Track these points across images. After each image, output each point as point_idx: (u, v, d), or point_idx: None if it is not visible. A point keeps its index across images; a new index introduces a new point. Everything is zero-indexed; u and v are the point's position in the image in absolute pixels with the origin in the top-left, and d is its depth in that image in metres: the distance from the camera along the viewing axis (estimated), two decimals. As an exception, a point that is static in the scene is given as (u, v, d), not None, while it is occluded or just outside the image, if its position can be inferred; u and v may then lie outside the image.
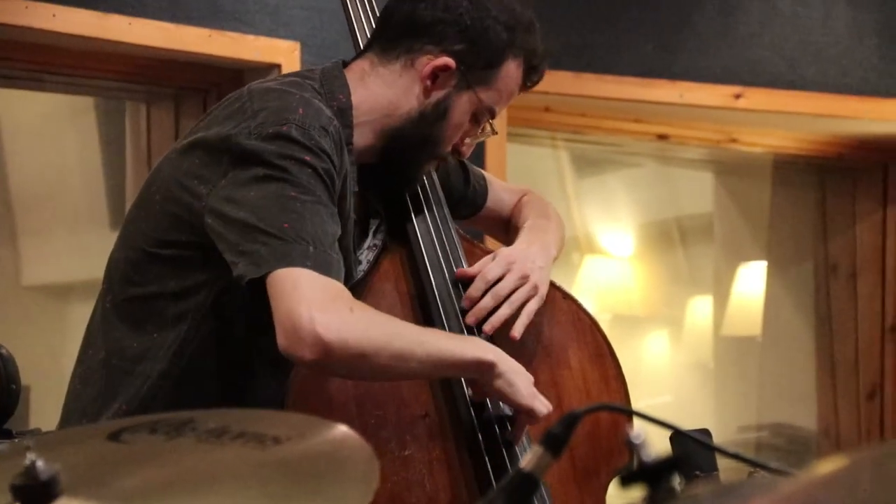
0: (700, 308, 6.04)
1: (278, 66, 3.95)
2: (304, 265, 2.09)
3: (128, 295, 2.31)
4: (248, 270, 2.11)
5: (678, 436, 1.99)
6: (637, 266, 6.06)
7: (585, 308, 2.52)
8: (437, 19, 2.33)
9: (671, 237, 6.09)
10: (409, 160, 2.37)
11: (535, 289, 2.38)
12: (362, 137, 2.33)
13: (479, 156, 4.23)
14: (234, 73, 4.01)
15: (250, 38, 3.93)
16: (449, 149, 2.38)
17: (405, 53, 2.34)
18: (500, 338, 2.35)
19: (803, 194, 5.53)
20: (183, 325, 2.27)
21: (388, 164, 2.37)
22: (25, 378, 2.49)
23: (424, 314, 2.37)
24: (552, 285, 2.47)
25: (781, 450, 5.50)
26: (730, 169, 5.65)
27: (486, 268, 2.37)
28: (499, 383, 2.23)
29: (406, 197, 2.43)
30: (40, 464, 1.29)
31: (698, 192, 5.89)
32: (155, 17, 3.79)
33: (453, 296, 2.37)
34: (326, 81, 2.33)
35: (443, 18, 2.33)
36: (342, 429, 1.46)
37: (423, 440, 2.29)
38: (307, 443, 1.45)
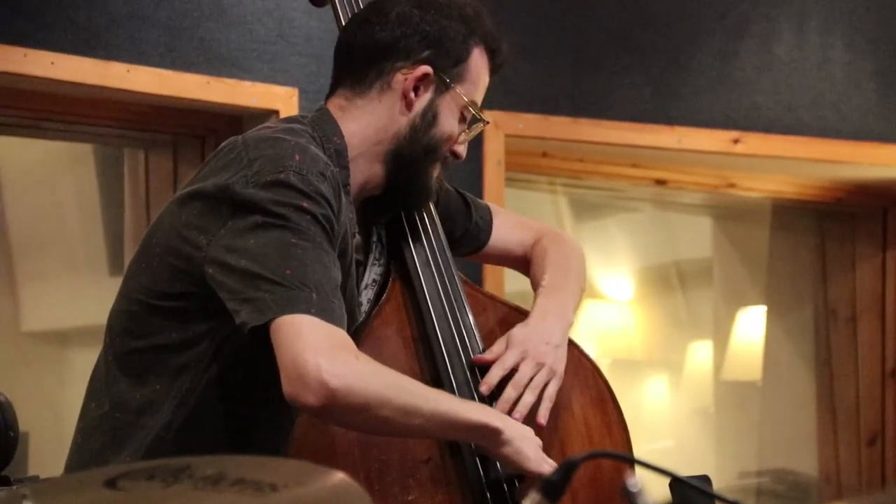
0: (700, 352, 6.03)
1: (276, 112, 3.96)
2: (307, 312, 2.08)
3: (129, 348, 2.30)
4: (251, 318, 2.10)
5: (677, 483, 1.98)
6: (636, 310, 6.05)
7: (587, 353, 2.52)
8: (397, 36, 2.36)
9: (670, 282, 6.08)
10: (415, 175, 2.38)
11: (553, 372, 2.39)
12: (360, 172, 2.35)
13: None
14: (232, 119, 4.02)
15: (248, 84, 3.94)
16: (447, 151, 2.40)
17: (377, 78, 2.36)
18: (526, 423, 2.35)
19: (802, 239, 5.53)
20: (185, 375, 2.26)
21: (398, 187, 2.39)
22: (23, 425, 2.48)
23: (428, 361, 2.36)
24: None
25: (782, 496, 5.48)
26: (728, 214, 5.65)
27: (503, 356, 2.37)
28: (506, 450, 2.23)
29: (408, 235, 2.44)
30: (36, 512, 1.28)
31: (697, 236, 5.89)
32: (153, 63, 3.80)
33: (458, 345, 2.37)
34: (318, 126, 2.34)
35: (403, 33, 2.36)
36: (341, 476, 1.45)
37: (427, 485, 2.28)
38: (305, 490, 1.43)
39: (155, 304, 2.27)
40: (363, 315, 2.38)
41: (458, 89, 2.37)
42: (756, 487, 5.57)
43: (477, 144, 4.26)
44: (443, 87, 2.36)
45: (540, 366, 2.37)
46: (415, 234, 2.44)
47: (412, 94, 2.34)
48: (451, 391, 2.33)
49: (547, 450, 2.38)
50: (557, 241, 2.65)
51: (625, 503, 2.40)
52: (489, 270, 4.22)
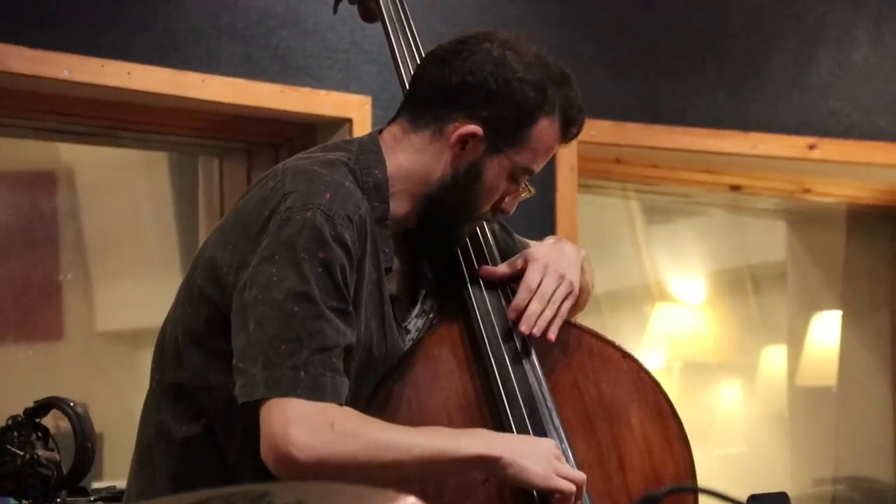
0: (774, 357, 5.99)
1: (349, 121, 3.97)
2: (292, 394, 2.11)
3: (175, 379, 2.29)
4: (242, 393, 2.14)
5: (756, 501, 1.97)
6: (709, 313, 6.02)
7: (646, 367, 2.50)
8: (461, 85, 2.29)
9: (743, 285, 6.05)
10: (447, 224, 2.35)
11: (571, 286, 2.38)
12: (399, 205, 2.32)
13: (550, 207, 4.23)
14: (306, 128, 4.04)
15: (322, 93, 3.96)
16: (488, 209, 2.36)
17: (433, 121, 2.31)
18: (539, 341, 2.35)
19: (878, 244, 5.48)
20: (238, 412, 2.23)
21: (427, 229, 2.36)
22: (98, 426, 2.51)
23: (482, 378, 2.35)
24: (611, 345, 2.46)
25: (858, 504, 5.44)
26: (803, 218, 5.61)
27: (528, 276, 2.36)
28: (511, 472, 2.19)
29: (459, 257, 2.41)
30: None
31: (771, 240, 5.86)
32: (228, 73, 3.83)
33: (507, 357, 2.35)
34: (363, 156, 2.32)
35: (467, 83, 2.28)
36: (412, 500, 1.44)
37: None
38: (383, 518, 1.44)
39: (199, 342, 2.26)
40: (409, 343, 2.36)
41: (512, 154, 2.30)
42: (831, 495, 5.53)
43: (550, 151, 4.26)
44: (494, 149, 2.29)
45: (561, 279, 2.36)
46: (466, 255, 2.42)
47: (458, 148, 2.29)
48: (504, 408, 2.31)
49: (605, 465, 2.37)
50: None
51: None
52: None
